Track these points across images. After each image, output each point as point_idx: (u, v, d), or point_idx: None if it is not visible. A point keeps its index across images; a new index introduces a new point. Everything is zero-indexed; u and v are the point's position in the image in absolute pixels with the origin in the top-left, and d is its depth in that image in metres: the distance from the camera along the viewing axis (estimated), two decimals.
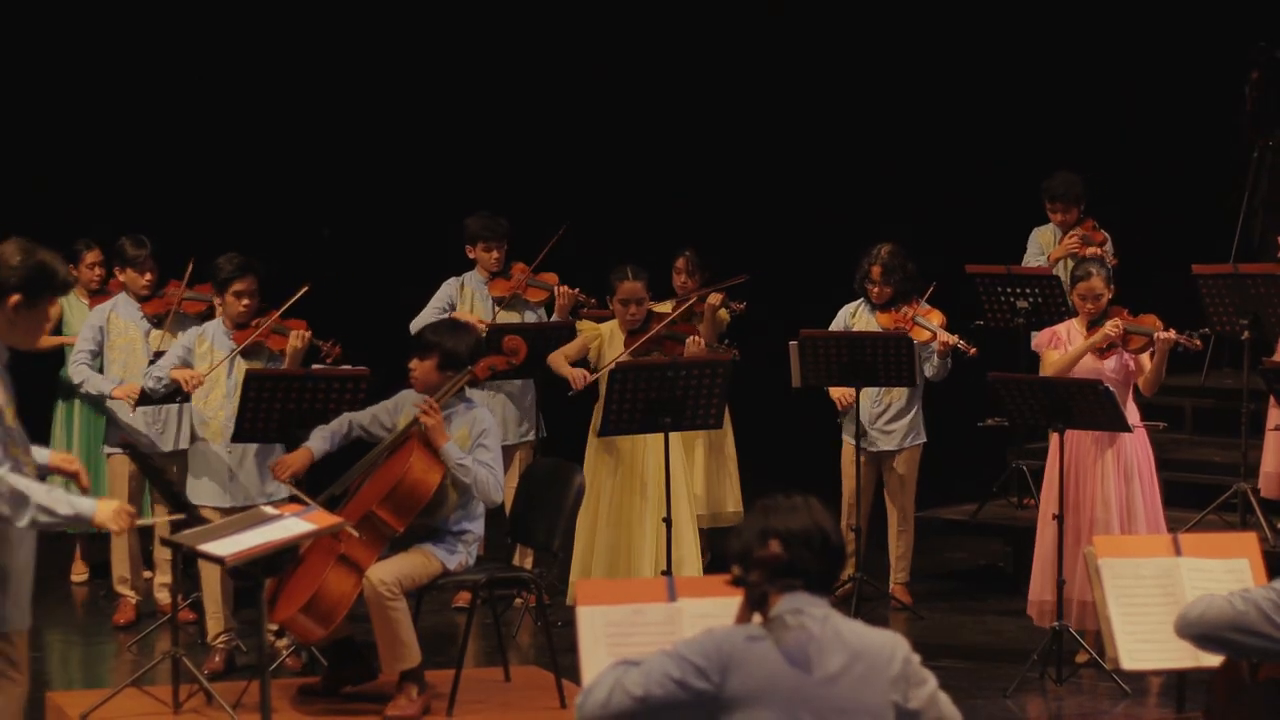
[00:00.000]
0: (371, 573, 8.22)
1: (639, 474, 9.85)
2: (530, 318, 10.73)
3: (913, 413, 10.58)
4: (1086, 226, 11.49)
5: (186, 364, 9.35)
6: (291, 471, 8.58)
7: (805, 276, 10.89)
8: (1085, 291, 9.50)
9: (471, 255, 10.82)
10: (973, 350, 10.23)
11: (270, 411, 8.93)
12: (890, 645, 4.64)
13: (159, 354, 9.74)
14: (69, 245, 10.97)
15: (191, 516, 7.30)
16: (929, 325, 10.36)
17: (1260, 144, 12.83)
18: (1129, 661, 6.22)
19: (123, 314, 10.16)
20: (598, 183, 14.97)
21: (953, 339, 10.22)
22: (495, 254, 10.75)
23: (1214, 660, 5.83)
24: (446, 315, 10.33)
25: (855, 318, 10.57)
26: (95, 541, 11.21)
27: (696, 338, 9.98)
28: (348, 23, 14.89)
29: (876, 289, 10.45)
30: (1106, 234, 11.48)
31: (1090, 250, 11.27)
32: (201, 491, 9.29)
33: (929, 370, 10.38)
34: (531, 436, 10.73)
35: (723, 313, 11.00)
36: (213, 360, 9.31)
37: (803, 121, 15.35)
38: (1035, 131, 14.53)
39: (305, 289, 9.34)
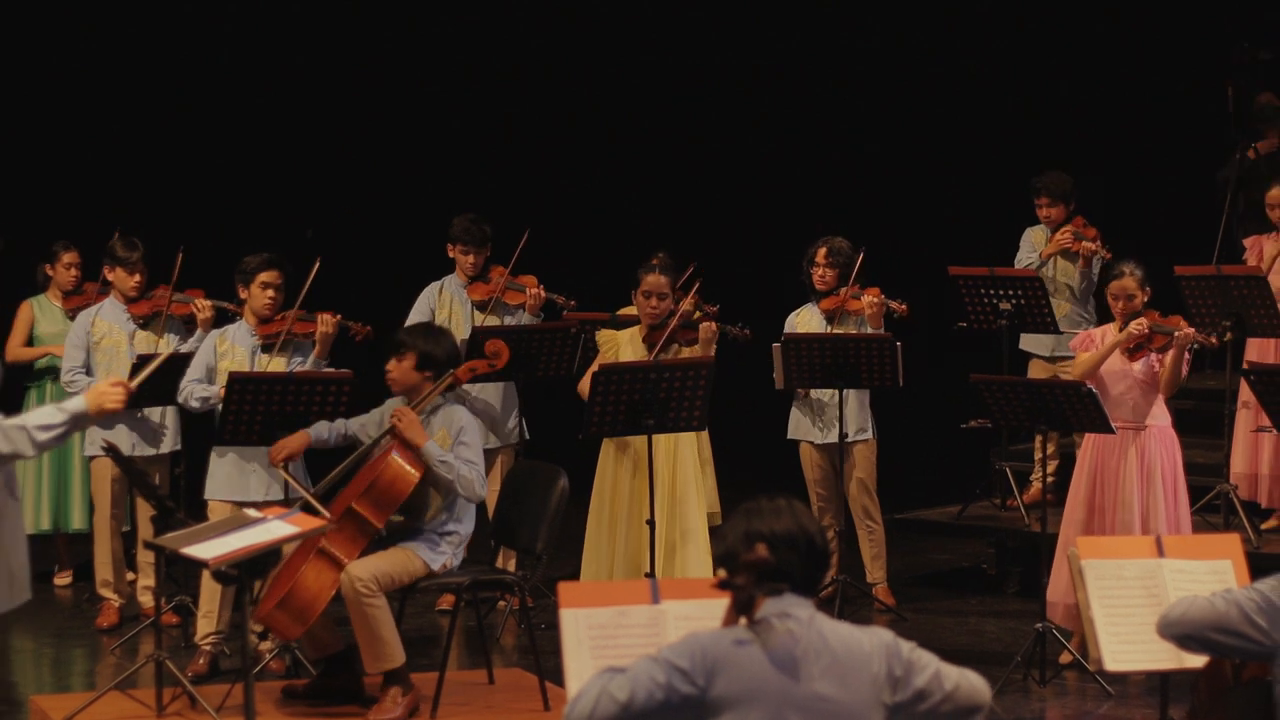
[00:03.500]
0: (348, 570, 8.22)
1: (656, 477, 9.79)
2: (510, 321, 10.65)
3: (861, 406, 10.56)
4: (1077, 223, 11.44)
5: (211, 369, 9.31)
6: (288, 453, 8.62)
7: (794, 277, 10.86)
8: (1117, 291, 9.37)
9: (450, 254, 10.76)
10: (903, 308, 10.28)
11: (254, 414, 8.90)
12: (875, 644, 4.63)
13: (142, 356, 9.69)
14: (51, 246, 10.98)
15: (175, 519, 7.28)
16: (864, 298, 10.43)
17: (1243, 144, 12.83)
18: (1112, 663, 6.21)
19: (107, 316, 10.12)
20: (582, 185, 14.96)
21: (883, 300, 10.29)
22: (471, 258, 10.64)
23: (1198, 661, 5.84)
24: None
25: (799, 315, 10.61)
26: (77, 543, 11.18)
27: (710, 322, 9.94)
28: (333, 25, 14.88)
29: (821, 271, 10.48)
30: (1096, 230, 11.44)
31: (1084, 246, 11.25)
32: (220, 486, 9.27)
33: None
34: (514, 440, 10.70)
35: (698, 316, 10.97)
36: (234, 359, 9.27)
37: (786, 125, 15.35)
38: (1020, 134, 14.54)
39: (317, 265, 9.31)
